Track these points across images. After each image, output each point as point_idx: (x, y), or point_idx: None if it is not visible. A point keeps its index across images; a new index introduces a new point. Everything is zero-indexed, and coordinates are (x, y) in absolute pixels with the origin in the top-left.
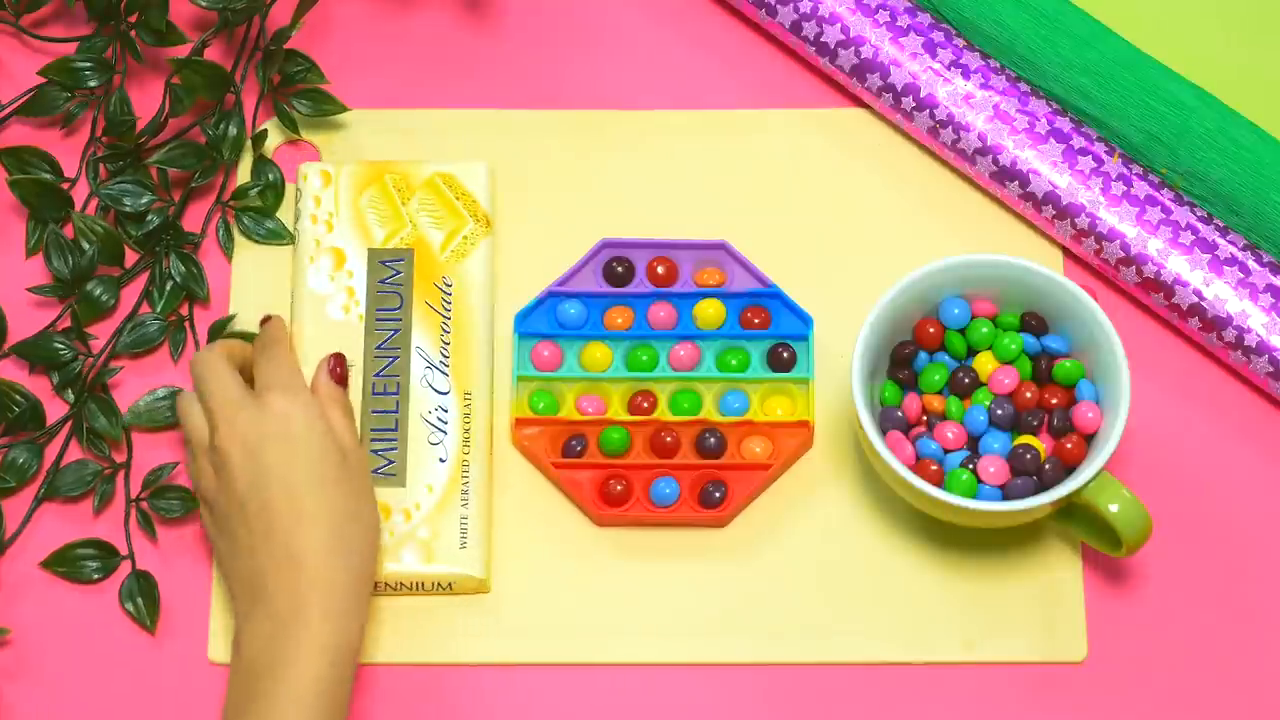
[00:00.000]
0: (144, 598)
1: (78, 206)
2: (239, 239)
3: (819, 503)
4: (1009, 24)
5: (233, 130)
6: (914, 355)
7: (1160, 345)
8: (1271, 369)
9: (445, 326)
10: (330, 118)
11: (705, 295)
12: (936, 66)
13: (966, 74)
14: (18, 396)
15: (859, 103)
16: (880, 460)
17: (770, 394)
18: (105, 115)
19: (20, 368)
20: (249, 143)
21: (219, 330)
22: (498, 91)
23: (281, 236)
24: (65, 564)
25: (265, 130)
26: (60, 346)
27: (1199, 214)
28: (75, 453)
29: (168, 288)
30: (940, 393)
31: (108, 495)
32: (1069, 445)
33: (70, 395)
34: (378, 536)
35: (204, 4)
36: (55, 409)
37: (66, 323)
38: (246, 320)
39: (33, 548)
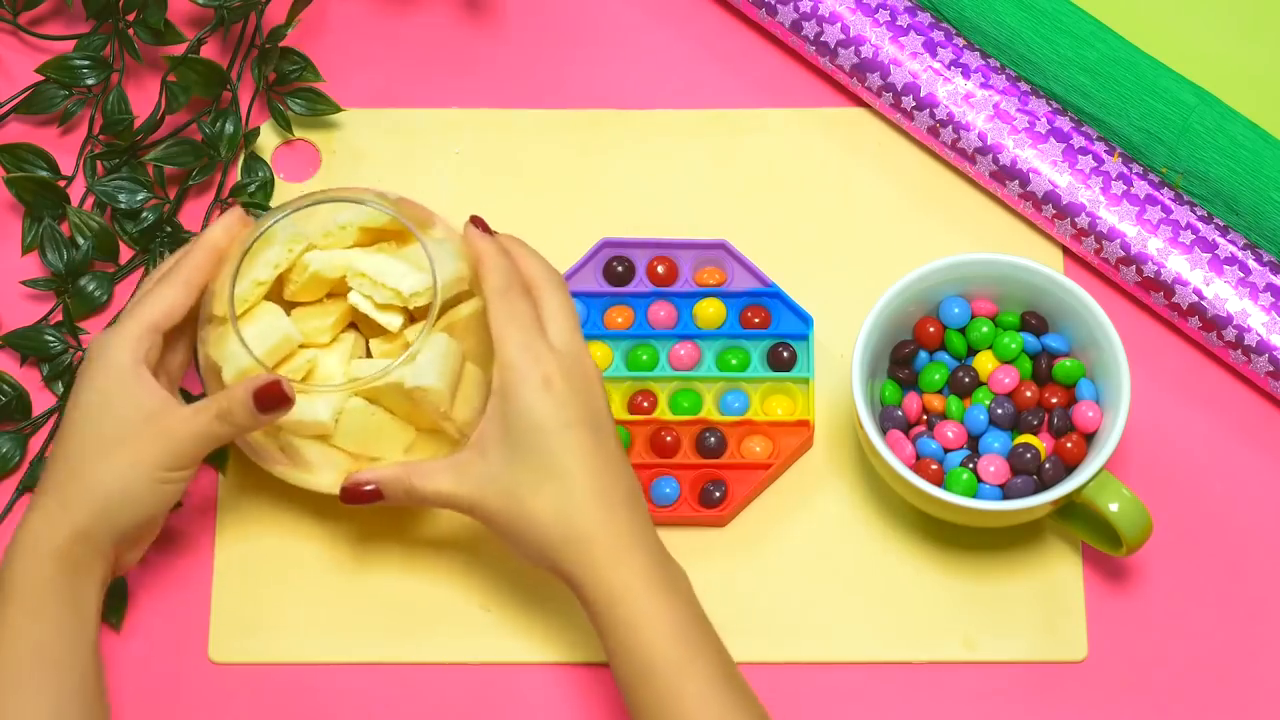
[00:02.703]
0: (110, 595)
1: (74, 204)
2: None
3: (819, 503)
4: (1009, 23)
5: (229, 128)
6: (914, 355)
7: (1160, 345)
8: (1271, 369)
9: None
10: (328, 116)
11: (705, 295)
12: (936, 66)
13: (966, 73)
14: (6, 386)
15: (859, 102)
16: (880, 460)
17: (770, 393)
18: (103, 113)
19: (13, 359)
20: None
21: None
22: (497, 91)
23: None
24: None
25: (258, 129)
26: (50, 338)
27: (1199, 213)
28: None
29: None
30: (940, 392)
31: None
32: (1069, 445)
33: (59, 387)
34: None
35: (200, 1)
36: (44, 402)
37: (59, 317)
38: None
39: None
